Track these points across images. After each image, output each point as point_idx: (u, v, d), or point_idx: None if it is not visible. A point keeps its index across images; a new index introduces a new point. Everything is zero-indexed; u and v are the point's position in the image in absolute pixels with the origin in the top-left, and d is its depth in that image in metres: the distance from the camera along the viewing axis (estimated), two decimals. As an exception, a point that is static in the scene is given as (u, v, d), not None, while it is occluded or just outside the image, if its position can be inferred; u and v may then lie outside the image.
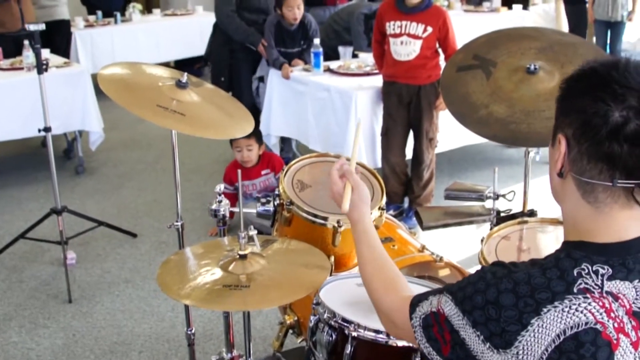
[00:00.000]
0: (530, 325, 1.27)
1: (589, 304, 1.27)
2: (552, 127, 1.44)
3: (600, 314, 1.27)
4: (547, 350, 1.26)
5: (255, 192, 4.83)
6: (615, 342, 1.26)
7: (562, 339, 1.25)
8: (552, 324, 1.26)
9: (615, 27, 8.36)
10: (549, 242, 2.59)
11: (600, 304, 1.27)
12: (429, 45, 4.51)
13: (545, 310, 1.26)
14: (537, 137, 2.55)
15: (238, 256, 2.12)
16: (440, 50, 4.65)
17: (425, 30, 4.47)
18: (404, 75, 4.61)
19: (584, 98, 1.32)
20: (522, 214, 2.84)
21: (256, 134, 4.75)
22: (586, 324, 1.26)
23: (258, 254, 2.16)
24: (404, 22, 4.51)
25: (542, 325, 1.26)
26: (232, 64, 5.91)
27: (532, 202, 2.94)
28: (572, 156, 1.35)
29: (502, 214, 2.81)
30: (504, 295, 1.30)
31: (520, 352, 1.28)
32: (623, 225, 1.34)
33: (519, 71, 2.73)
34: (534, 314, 1.27)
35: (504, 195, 2.81)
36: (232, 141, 4.79)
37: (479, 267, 2.37)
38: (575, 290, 1.28)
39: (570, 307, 1.26)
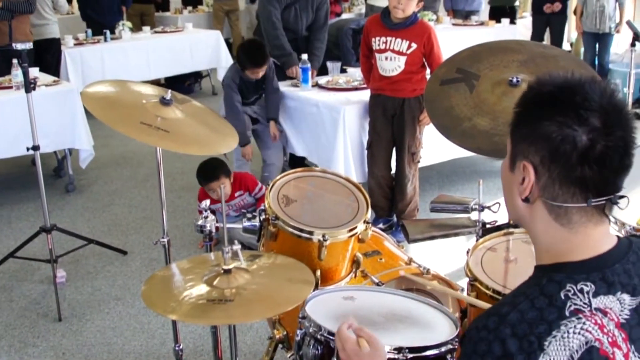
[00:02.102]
0: None
1: (584, 323, 1.27)
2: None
3: (596, 331, 1.27)
4: None
5: (232, 211, 4.83)
6: (612, 356, 1.27)
7: None
8: (558, 354, 1.25)
9: (603, 39, 8.41)
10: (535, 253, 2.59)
11: (593, 321, 1.28)
12: (414, 61, 4.53)
13: (547, 343, 1.25)
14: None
15: (222, 271, 2.13)
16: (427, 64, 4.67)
17: (409, 46, 4.49)
18: (390, 88, 4.63)
19: (548, 124, 1.31)
20: (507, 225, 2.84)
21: (224, 171, 4.66)
22: (586, 343, 1.26)
23: (243, 269, 2.17)
24: (388, 38, 4.53)
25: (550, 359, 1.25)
26: None
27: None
28: (541, 183, 1.35)
29: (487, 226, 2.82)
30: (507, 342, 1.26)
31: None
32: (596, 241, 1.36)
33: (502, 84, 2.74)
34: (539, 351, 1.25)
35: (489, 207, 2.81)
36: (201, 184, 4.73)
37: (465, 279, 2.39)
38: (567, 313, 1.27)
39: (567, 332, 1.26)
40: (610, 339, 1.28)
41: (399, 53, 4.51)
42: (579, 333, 1.26)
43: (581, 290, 1.30)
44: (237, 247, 2.17)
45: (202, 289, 2.08)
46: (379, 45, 4.57)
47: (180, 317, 1.93)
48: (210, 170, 4.67)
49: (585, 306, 1.29)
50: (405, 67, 4.53)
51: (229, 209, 4.79)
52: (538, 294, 1.30)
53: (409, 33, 4.48)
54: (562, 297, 1.29)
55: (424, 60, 4.58)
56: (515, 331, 1.26)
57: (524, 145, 1.36)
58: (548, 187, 1.34)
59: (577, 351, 1.25)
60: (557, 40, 9.22)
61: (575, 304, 1.28)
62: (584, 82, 1.33)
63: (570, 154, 1.29)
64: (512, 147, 1.41)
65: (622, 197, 1.35)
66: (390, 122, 4.70)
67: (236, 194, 4.79)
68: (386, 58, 4.56)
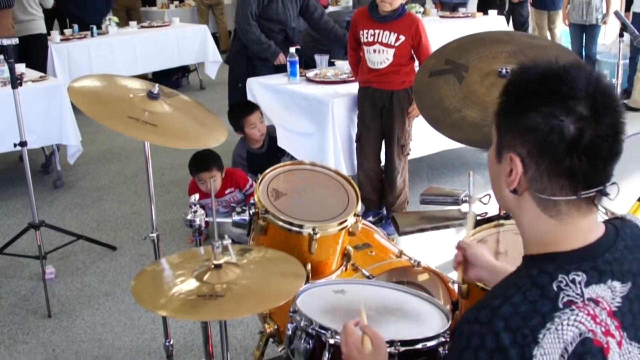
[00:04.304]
0: (534, 357, 1.22)
1: (577, 315, 1.26)
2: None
3: (589, 322, 1.27)
4: None
5: (222, 207, 4.82)
6: (606, 346, 1.27)
7: (566, 357, 1.24)
8: (553, 347, 1.23)
9: (590, 31, 8.43)
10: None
11: (586, 312, 1.27)
12: (402, 53, 4.52)
13: (541, 336, 1.23)
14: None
15: (213, 266, 2.12)
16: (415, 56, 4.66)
17: (397, 39, 4.48)
18: (378, 80, 4.62)
19: (534, 115, 1.28)
20: (498, 217, 2.84)
21: (216, 163, 4.68)
22: (580, 335, 1.25)
23: (233, 264, 2.16)
24: (376, 31, 4.51)
25: (545, 352, 1.23)
26: (249, 71, 5.89)
27: (507, 205, 2.94)
28: (529, 175, 1.33)
29: (478, 218, 2.81)
30: (501, 335, 1.24)
31: None
32: (584, 231, 1.35)
33: (491, 75, 2.74)
34: (533, 344, 1.23)
35: (479, 199, 2.81)
36: (193, 174, 4.72)
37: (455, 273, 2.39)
38: (560, 305, 1.26)
39: (561, 324, 1.25)
40: (603, 329, 1.28)
41: (387, 45, 4.50)
42: (573, 325, 1.25)
43: (573, 281, 1.29)
44: (227, 241, 2.16)
45: (192, 284, 2.07)
46: (367, 37, 4.55)
47: (171, 313, 1.92)
48: (204, 160, 4.67)
49: (578, 297, 1.28)
50: (393, 59, 4.52)
51: (218, 204, 4.77)
52: (530, 285, 1.29)
53: (396, 25, 4.47)
54: (555, 289, 1.28)
55: (412, 52, 4.57)
56: (509, 324, 1.25)
57: (510, 137, 1.34)
58: (536, 180, 1.32)
59: (571, 343, 1.24)
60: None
61: (568, 295, 1.27)
62: (569, 69, 1.30)
63: (558, 145, 1.27)
64: (498, 138, 1.39)
65: (612, 183, 1.34)
66: (379, 114, 4.69)
67: (226, 191, 4.78)
68: (374, 51, 4.55)
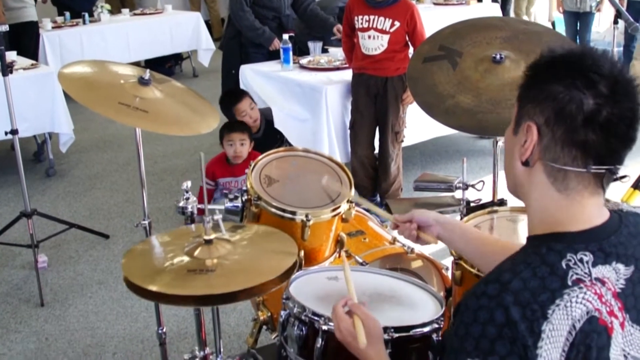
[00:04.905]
0: (543, 333, 1.23)
1: (585, 293, 1.27)
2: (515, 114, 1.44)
3: (596, 301, 1.28)
4: (564, 351, 1.24)
5: (236, 189, 4.78)
6: (610, 326, 1.28)
7: (573, 334, 1.25)
8: (561, 323, 1.24)
9: (584, 18, 8.39)
10: (520, 230, 2.59)
11: (593, 291, 1.28)
12: (397, 39, 4.50)
13: (550, 312, 1.24)
14: (504, 126, 2.54)
15: (204, 241, 2.10)
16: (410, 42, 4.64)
17: (392, 25, 4.46)
18: (372, 67, 4.61)
19: (556, 85, 1.32)
20: (491, 203, 2.83)
21: (249, 130, 4.68)
22: (587, 313, 1.26)
23: (224, 239, 2.14)
24: (371, 17, 4.50)
25: (553, 329, 1.24)
26: (242, 58, 5.87)
27: (501, 191, 2.93)
28: (544, 144, 1.35)
29: (471, 204, 2.81)
30: (510, 309, 1.24)
31: None
32: (591, 213, 1.36)
33: (485, 61, 2.72)
34: (542, 319, 1.24)
35: (473, 185, 2.80)
36: (223, 134, 4.61)
37: (450, 258, 2.38)
38: (569, 282, 1.27)
39: (570, 301, 1.26)
40: (608, 309, 1.29)
41: (382, 31, 4.48)
42: (581, 302, 1.26)
43: (581, 260, 1.30)
44: (218, 216, 2.14)
45: (183, 259, 2.05)
46: (361, 23, 4.53)
47: (161, 288, 1.90)
48: (239, 122, 4.71)
49: (586, 276, 1.29)
50: (388, 45, 4.51)
51: (235, 185, 4.70)
52: (539, 262, 1.30)
53: (391, 11, 4.45)
54: (564, 267, 1.29)
55: (407, 38, 4.55)
56: (518, 299, 1.25)
57: (530, 106, 1.37)
58: (550, 148, 1.34)
59: (579, 320, 1.25)
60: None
61: (576, 274, 1.29)
62: (596, 51, 1.34)
63: (576, 115, 1.30)
64: (519, 110, 1.42)
65: (623, 176, 1.38)
66: (374, 101, 4.68)
67: (246, 170, 4.76)
68: (369, 37, 4.54)
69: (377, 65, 4.59)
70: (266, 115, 5.12)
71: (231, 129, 4.58)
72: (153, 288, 1.89)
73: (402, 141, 4.82)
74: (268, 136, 5.06)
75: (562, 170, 1.34)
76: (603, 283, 1.30)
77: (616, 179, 1.37)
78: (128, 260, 2.08)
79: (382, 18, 4.47)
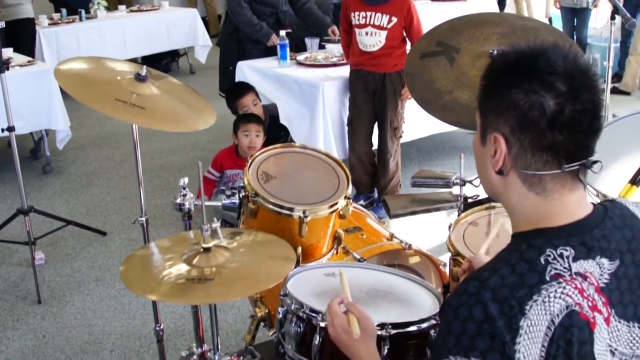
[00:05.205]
0: (521, 329, 1.23)
1: (564, 287, 1.27)
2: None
3: (576, 295, 1.27)
4: (543, 347, 1.24)
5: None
6: (592, 320, 1.27)
7: (552, 329, 1.24)
8: (539, 318, 1.24)
9: (581, 14, 8.39)
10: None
11: (573, 285, 1.27)
12: (395, 35, 4.50)
13: (528, 307, 1.24)
14: (501, 122, 2.55)
15: (202, 249, 2.10)
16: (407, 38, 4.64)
17: (390, 20, 4.45)
18: (370, 63, 4.60)
19: (515, 92, 1.31)
20: (489, 199, 2.83)
21: (264, 124, 4.69)
22: (567, 307, 1.25)
23: (223, 247, 2.14)
24: (368, 13, 4.49)
25: (531, 324, 1.24)
26: (240, 54, 5.86)
27: (499, 187, 2.93)
28: (513, 153, 1.35)
29: (469, 200, 2.81)
30: (489, 306, 1.25)
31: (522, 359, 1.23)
32: (572, 207, 1.36)
33: (482, 57, 2.71)
34: (520, 315, 1.24)
35: (470, 181, 2.80)
36: (239, 125, 4.59)
37: (448, 254, 2.38)
38: (547, 278, 1.27)
39: (548, 296, 1.25)
40: (590, 303, 1.28)
41: (380, 28, 4.47)
42: (560, 297, 1.26)
43: (561, 255, 1.30)
44: (216, 224, 2.14)
45: (181, 268, 2.05)
46: (358, 20, 4.52)
47: (160, 298, 1.90)
48: (254, 114, 4.70)
49: (565, 270, 1.29)
50: (386, 42, 4.50)
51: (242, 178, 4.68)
52: (518, 259, 1.30)
53: (388, 7, 4.44)
54: (542, 262, 1.29)
55: (404, 34, 4.55)
56: (496, 295, 1.26)
57: (493, 117, 1.36)
58: (520, 157, 1.34)
59: (557, 315, 1.25)
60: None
61: (555, 269, 1.28)
62: (546, 48, 1.33)
63: (540, 120, 1.29)
64: (482, 120, 1.41)
65: (595, 162, 1.36)
66: (372, 97, 4.67)
67: None
68: (366, 33, 4.53)
69: (375, 61, 4.58)
70: (271, 112, 5.11)
71: (248, 120, 4.59)
72: (152, 298, 1.90)
73: (401, 137, 4.82)
74: (272, 132, 5.05)
75: (537, 175, 1.34)
76: (585, 277, 1.30)
77: (590, 168, 1.35)
78: (126, 267, 2.08)
79: (379, 14, 4.46)
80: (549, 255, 1.29)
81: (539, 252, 1.30)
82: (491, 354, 1.24)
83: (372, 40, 4.53)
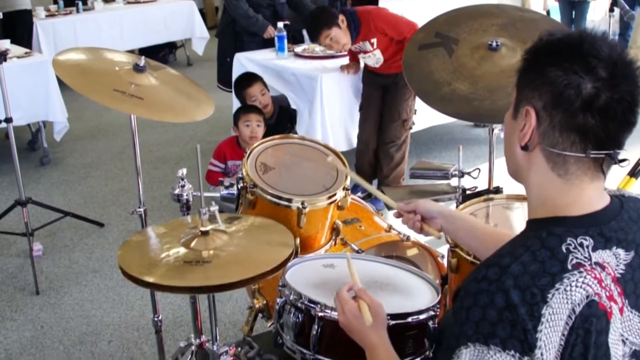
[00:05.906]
0: (543, 317, 1.23)
1: (585, 277, 1.27)
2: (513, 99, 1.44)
3: (595, 285, 1.28)
4: (563, 335, 1.24)
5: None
6: (609, 310, 1.28)
7: (573, 318, 1.25)
8: (561, 307, 1.24)
9: (579, 6, 8.38)
10: (516, 218, 2.59)
11: (593, 275, 1.28)
12: (388, 47, 4.61)
13: (550, 296, 1.24)
14: (500, 114, 2.53)
15: (200, 233, 2.10)
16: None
17: (372, 44, 4.59)
18: (380, 69, 4.75)
19: (555, 69, 1.31)
20: (487, 191, 2.83)
21: (264, 114, 4.69)
22: (587, 297, 1.26)
23: (220, 230, 2.14)
24: (355, 46, 4.65)
25: (553, 312, 1.23)
26: (237, 46, 5.86)
27: (497, 179, 2.94)
28: (542, 129, 1.34)
29: (467, 192, 2.81)
30: (510, 293, 1.24)
31: (543, 348, 1.23)
32: (591, 197, 1.36)
33: (481, 48, 2.72)
34: (542, 303, 1.23)
35: (469, 173, 2.80)
36: (239, 115, 4.59)
37: (446, 246, 2.38)
38: (569, 267, 1.27)
39: (570, 285, 1.25)
40: (607, 293, 1.29)
41: (371, 50, 4.62)
42: (581, 287, 1.26)
43: (581, 244, 1.30)
44: (214, 208, 2.14)
45: (179, 251, 2.05)
46: (355, 49, 4.69)
47: (157, 279, 1.90)
48: (255, 105, 4.71)
49: (586, 260, 1.29)
50: (385, 55, 4.64)
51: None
52: (539, 246, 1.30)
53: (363, 36, 4.57)
54: (564, 251, 1.29)
55: (397, 38, 4.59)
56: (518, 282, 1.25)
57: (529, 90, 1.37)
58: (548, 134, 1.34)
59: (578, 304, 1.25)
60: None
61: (576, 258, 1.29)
62: (595, 35, 1.33)
63: (574, 100, 1.29)
64: (517, 94, 1.42)
65: (623, 160, 1.36)
66: (383, 90, 4.80)
67: None
68: (365, 57, 4.73)
69: (383, 67, 4.72)
70: (279, 102, 5.11)
71: (248, 110, 4.61)
72: (150, 279, 1.89)
73: (411, 128, 4.89)
74: (280, 123, 5.06)
75: (561, 155, 1.34)
76: (603, 268, 1.30)
77: (616, 163, 1.36)
78: (124, 252, 2.08)
79: (361, 43, 4.62)
80: (570, 244, 1.30)
81: (560, 240, 1.30)
82: (511, 342, 1.23)
83: (372, 60, 4.70)
